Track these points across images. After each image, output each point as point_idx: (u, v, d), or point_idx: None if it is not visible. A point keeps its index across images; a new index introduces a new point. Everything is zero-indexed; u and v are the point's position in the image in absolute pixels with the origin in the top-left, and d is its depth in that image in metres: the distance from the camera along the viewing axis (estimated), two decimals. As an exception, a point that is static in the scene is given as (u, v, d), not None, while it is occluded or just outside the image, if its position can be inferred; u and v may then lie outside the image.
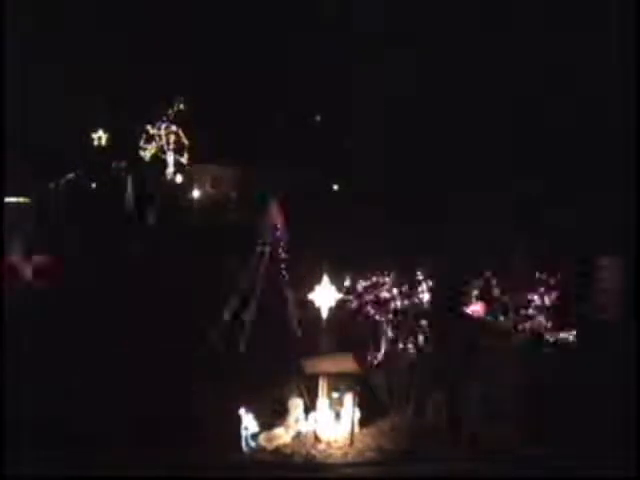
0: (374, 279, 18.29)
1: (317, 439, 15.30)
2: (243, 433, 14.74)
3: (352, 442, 15.11)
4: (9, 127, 24.38)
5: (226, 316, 20.24)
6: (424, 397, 16.36)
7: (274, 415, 15.52)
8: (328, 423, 15.41)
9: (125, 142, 46.27)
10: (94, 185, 40.60)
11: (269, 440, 14.92)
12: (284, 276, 20.57)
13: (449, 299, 19.31)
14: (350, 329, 18.31)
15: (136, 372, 16.89)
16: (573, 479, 13.76)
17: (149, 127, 46.79)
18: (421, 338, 17.29)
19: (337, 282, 17.47)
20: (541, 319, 17.39)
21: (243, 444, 14.72)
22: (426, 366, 16.82)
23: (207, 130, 43.51)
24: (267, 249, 20.66)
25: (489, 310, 18.46)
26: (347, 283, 18.35)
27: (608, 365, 16.74)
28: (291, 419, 15.45)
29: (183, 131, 46.79)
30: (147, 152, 46.94)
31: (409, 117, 35.90)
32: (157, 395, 15.82)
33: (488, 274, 18.87)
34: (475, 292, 19.07)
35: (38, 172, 34.25)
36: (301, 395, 15.99)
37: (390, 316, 17.68)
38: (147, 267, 25.73)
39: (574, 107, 30.59)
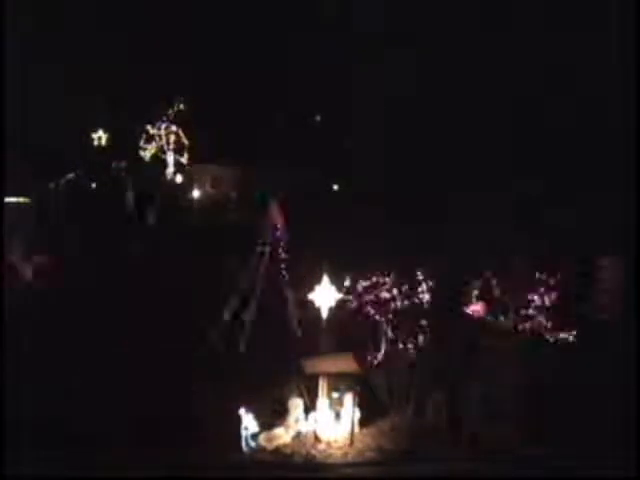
0: (374, 279, 18.26)
1: (317, 439, 15.30)
2: (243, 433, 14.75)
3: (352, 442, 15.12)
4: (9, 127, 24.36)
5: (226, 316, 20.24)
6: (424, 397, 16.37)
7: (274, 415, 15.53)
8: (328, 423, 15.42)
9: (125, 142, 46.23)
10: (94, 185, 40.57)
11: (269, 440, 14.93)
12: (284, 276, 20.57)
13: (449, 299, 19.29)
14: (350, 329, 18.30)
15: (136, 372, 16.90)
16: (573, 479, 13.77)
17: (149, 127, 46.76)
18: (421, 338, 17.28)
19: (337, 282, 17.47)
20: (541, 319, 17.36)
21: (243, 444, 14.72)
22: (426, 366, 16.82)
23: (207, 130, 43.47)
24: (267, 249, 20.66)
25: (489, 310, 18.45)
26: (347, 283, 18.33)
27: (608, 365, 16.75)
28: (291, 419, 15.46)
29: (183, 131, 46.75)
30: (147, 152, 46.91)
31: (409, 117, 35.88)
32: (157, 395, 15.83)
33: (488, 274, 18.86)
34: (475, 292, 19.06)
35: (38, 172, 34.22)
36: (301, 395, 15.99)
37: (390, 316, 17.68)
38: (147, 267, 25.72)
39: (574, 107, 30.58)
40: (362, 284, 18.35)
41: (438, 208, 29.36)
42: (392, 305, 17.79)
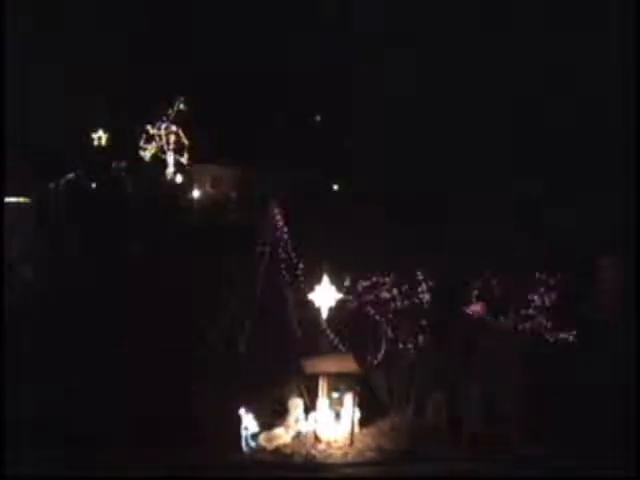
0: (374, 279, 18.27)
1: (317, 439, 15.31)
2: (243, 433, 14.76)
3: (352, 442, 15.12)
4: (9, 127, 24.34)
5: (226, 319, 20.20)
6: (424, 397, 16.38)
7: (274, 415, 15.54)
8: (328, 423, 15.42)
9: (125, 142, 46.15)
10: (94, 185, 40.53)
11: (269, 440, 14.94)
12: (284, 276, 20.56)
13: (449, 299, 19.28)
14: (350, 329, 18.30)
15: (136, 372, 16.89)
16: (573, 479, 13.77)
17: (149, 127, 46.67)
18: (421, 338, 17.29)
19: (337, 282, 17.48)
20: (541, 319, 17.38)
21: (243, 444, 14.73)
22: (426, 366, 16.82)
23: (207, 130, 43.41)
24: (267, 249, 20.64)
25: (489, 310, 18.45)
26: (347, 283, 18.34)
27: (608, 365, 16.74)
28: (291, 419, 15.46)
29: (183, 131, 46.67)
30: (147, 152, 46.82)
31: (409, 117, 35.86)
32: (157, 395, 15.82)
33: (488, 274, 18.86)
34: (475, 292, 19.06)
35: (38, 172, 34.20)
36: (301, 395, 16.01)
37: (390, 316, 17.68)
38: (147, 267, 25.70)
39: (574, 107, 30.58)
40: (362, 284, 18.36)
41: (438, 208, 29.34)
42: (392, 305, 17.81)
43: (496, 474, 14.08)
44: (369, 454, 14.86)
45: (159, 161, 46.72)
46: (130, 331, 19.55)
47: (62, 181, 37.74)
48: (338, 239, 24.89)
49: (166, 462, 13.54)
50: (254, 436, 14.80)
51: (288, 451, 14.86)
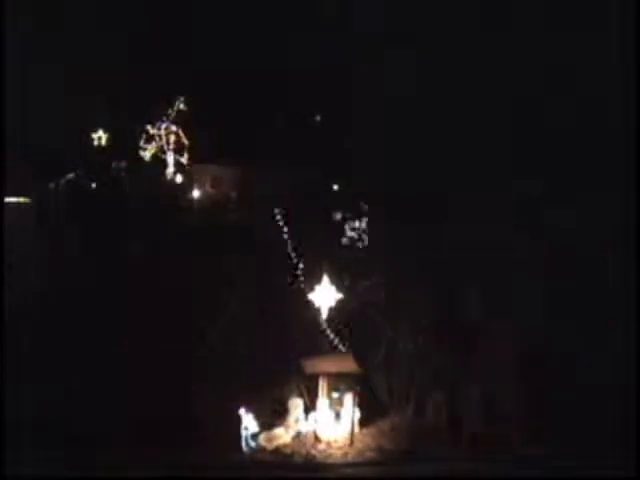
0: (374, 279, 18.28)
1: (317, 439, 15.31)
2: (243, 433, 14.77)
3: (352, 442, 15.13)
4: (9, 127, 24.35)
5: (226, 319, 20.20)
6: (424, 397, 16.38)
7: (274, 415, 15.55)
8: (328, 423, 15.42)
9: (125, 142, 46.18)
10: (94, 185, 40.54)
11: (269, 440, 14.94)
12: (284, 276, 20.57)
13: (449, 300, 19.30)
14: (350, 329, 18.30)
15: (136, 372, 16.89)
16: (573, 479, 13.76)
17: (149, 127, 46.71)
18: (421, 338, 17.29)
19: (337, 282, 17.48)
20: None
21: (243, 444, 14.74)
22: (426, 366, 16.82)
23: (207, 130, 43.43)
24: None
25: (488, 310, 18.45)
26: (347, 283, 18.35)
27: (608, 365, 16.73)
28: (291, 419, 15.47)
29: (183, 131, 46.71)
30: (147, 152, 46.84)
31: (409, 117, 35.84)
32: (157, 395, 15.83)
33: (487, 274, 18.86)
34: (474, 292, 19.07)
35: (38, 172, 34.21)
36: (301, 395, 16.01)
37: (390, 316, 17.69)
38: (147, 267, 25.69)
39: (574, 107, 30.55)
40: (362, 284, 18.37)
41: (438, 208, 29.32)
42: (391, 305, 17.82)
43: (496, 474, 14.07)
44: (369, 454, 14.87)
45: (159, 161, 46.74)
46: (130, 331, 19.55)
47: (62, 181, 37.74)
48: (338, 239, 24.92)
49: (166, 462, 13.54)
50: (254, 436, 14.80)
51: (288, 451, 14.87)
